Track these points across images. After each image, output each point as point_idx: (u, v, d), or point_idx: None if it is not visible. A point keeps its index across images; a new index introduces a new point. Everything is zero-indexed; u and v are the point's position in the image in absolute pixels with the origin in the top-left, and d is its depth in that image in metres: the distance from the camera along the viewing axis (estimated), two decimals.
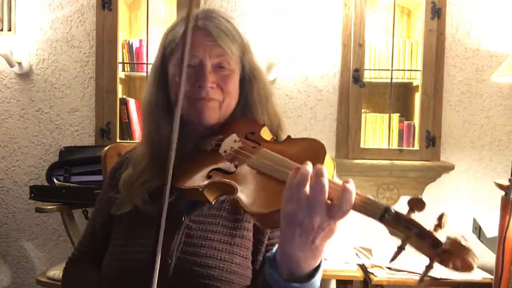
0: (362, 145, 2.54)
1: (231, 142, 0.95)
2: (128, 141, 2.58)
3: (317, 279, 0.77)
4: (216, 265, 0.92)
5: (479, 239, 2.17)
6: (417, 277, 2.09)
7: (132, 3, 2.75)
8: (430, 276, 2.07)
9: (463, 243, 0.64)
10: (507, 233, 1.88)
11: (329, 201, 0.69)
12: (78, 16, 2.65)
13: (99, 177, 2.18)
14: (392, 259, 0.68)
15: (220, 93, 0.99)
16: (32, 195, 2.33)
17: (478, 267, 2.25)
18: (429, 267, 0.66)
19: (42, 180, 2.61)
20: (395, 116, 2.58)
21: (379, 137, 2.58)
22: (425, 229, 0.67)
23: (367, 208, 0.69)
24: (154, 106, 1.01)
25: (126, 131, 2.60)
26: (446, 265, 0.65)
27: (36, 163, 2.70)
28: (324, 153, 0.81)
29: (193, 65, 0.98)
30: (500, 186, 1.97)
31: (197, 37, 0.97)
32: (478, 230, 2.15)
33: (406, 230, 0.67)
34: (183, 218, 0.97)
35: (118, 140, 2.56)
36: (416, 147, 2.53)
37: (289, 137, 0.93)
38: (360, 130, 2.53)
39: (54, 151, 2.67)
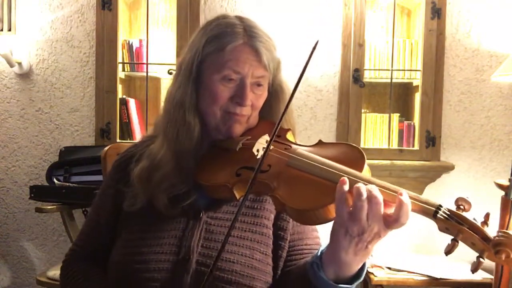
0: (362, 145, 2.53)
1: (263, 142, 0.98)
2: (128, 141, 2.58)
3: (362, 276, 0.84)
4: (237, 260, 0.94)
5: None
6: (417, 277, 2.09)
7: (132, 3, 2.75)
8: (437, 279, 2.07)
9: None
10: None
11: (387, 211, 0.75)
12: (78, 16, 2.65)
13: (99, 177, 2.18)
14: (448, 252, 0.72)
15: (250, 109, 1.01)
16: (32, 195, 2.33)
17: None
18: (479, 258, 0.71)
19: (42, 180, 2.61)
20: (395, 116, 2.58)
21: (379, 137, 2.58)
22: (475, 224, 0.72)
23: (422, 207, 0.75)
24: (187, 106, 1.00)
25: (126, 131, 2.60)
26: (500, 256, 0.70)
27: (36, 163, 2.70)
28: (363, 158, 0.85)
29: (233, 79, 0.98)
30: (500, 186, 1.98)
31: (244, 53, 0.97)
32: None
33: (458, 225, 0.72)
34: (201, 215, 0.99)
35: (118, 140, 2.56)
36: (416, 147, 2.53)
37: (320, 141, 0.96)
38: (360, 130, 2.53)
39: (54, 151, 2.67)
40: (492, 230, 0.72)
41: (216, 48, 0.98)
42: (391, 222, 0.74)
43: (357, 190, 0.74)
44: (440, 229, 0.74)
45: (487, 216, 0.73)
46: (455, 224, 0.72)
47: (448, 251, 0.72)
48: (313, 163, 0.85)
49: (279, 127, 0.87)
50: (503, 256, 0.69)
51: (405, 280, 2.10)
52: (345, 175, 0.79)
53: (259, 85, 1.00)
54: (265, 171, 0.88)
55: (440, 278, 2.07)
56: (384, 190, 0.76)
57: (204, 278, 0.90)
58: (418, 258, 2.33)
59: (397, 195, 0.74)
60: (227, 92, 0.98)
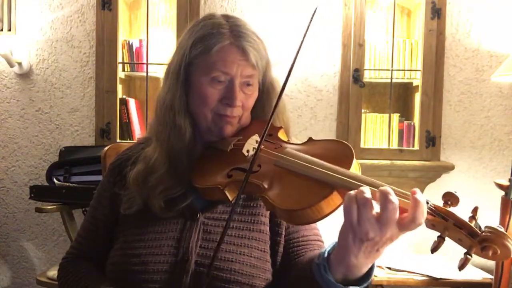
0: (362, 145, 2.53)
1: (253, 142, 0.97)
2: (128, 141, 2.57)
3: (372, 275, 0.80)
4: (236, 259, 0.94)
5: None
6: (417, 277, 2.09)
7: (132, 3, 2.75)
8: (430, 278, 2.07)
9: (501, 229, 0.67)
10: (507, 233, 1.88)
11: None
12: (78, 16, 2.65)
13: (99, 177, 2.18)
14: (434, 250, 0.70)
15: (241, 110, 1.01)
16: (32, 195, 2.32)
17: (478, 267, 2.25)
18: (466, 255, 0.68)
19: (42, 180, 2.61)
20: (395, 116, 2.58)
21: (379, 137, 2.58)
22: (461, 219, 0.70)
23: (406, 204, 0.71)
24: (177, 109, 1.00)
25: (126, 131, 2.60)
26: (487, 253, 0.67)
27: (36, 163, 2.70)
28: (352, 155, 0.82)
29: (223, 80, 0.98)
30: (500, 186, 1.97)
31: (231, 53, 0.97)
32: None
33: (444, 221, 0.70)
34: (198, 215, 0.99)
35: (118, 140, 2.56)
36: (416, 147, 2.53)
37: (310, 138, 0.94)
38: (360, 130, 2.53)
39: (54, 151, 2.67)
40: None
41: (202, 50, 0.98)
42: (406, 223, 0.69)
43: (361, 192, 0.70)
44: (427, 226, 0.72)
45: (475, 210, 0.71)
46: (440, 220, 0.70)
47: (434, 248, 0.69)
48: (299, 161, 0.84)
49: (268, 128, 0.86)
50: (490, 253, 0.67)
51: (405, 280, 2.10)
52: (333, 173, 0.77)
53: (248, 84, 1.00)
54: (255, 171, 0.87)
55: (440, 278, 2.07)
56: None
57: (203, 278, 0.91)
58: (418, 258, 2.33)
59: (411, 194, 0.70)
60: (216, 93, 0.98)
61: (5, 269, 2.76)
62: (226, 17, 1.02)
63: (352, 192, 0.72)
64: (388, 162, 2.48)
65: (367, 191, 0.71)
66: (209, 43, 0.97)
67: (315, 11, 0.85)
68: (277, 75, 1.09)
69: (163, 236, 0.97)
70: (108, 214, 1.06)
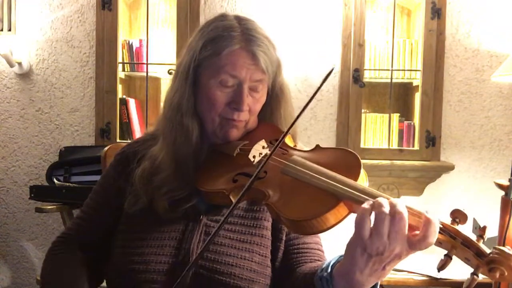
0: (362, 145, 2.54)
1: (259, 147, 0.95)
2: (128, 141, 2.57)
3: None
4: (236, 264, 0.93)
5: None
6: (417, 277, 2.09)
7: (132, 3, 2.75)
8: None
9: (510, 251, 0.66)
10: (507, 233, 1.88)
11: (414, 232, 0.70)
12: (78, 16, 2.65)
13: (99, 177, 2.19)
14: (441, 268, 0.69)
15: (248, 115, 1.00)
16: (32, 195, 2.33)
17: None
18: (473, 275, 0.68)
19: (42, 180, 2.61)
20: (395, 116, 2.58)
21: (379, 137, 2.58)
22: (469, 239, 0.69)
23: (416, 221, 0.70)
24: (184, 110, 0.98)
25: (126, 131, 2.60)
26: (494, 274, 0.67)
27: (36, 163, 2.70)
28: (359, 165, 0.81)
29: (231, 84, 0.96)
30: (500, 186, 1.97)
31: (241, 57, 0.95)
32: (478, 230, 2.15)
33: (451, 239, 0.69)
34: (201, 217, 0.98)
35: (118, 140, 2.56)
36: (416, 147, 2.53)
37: (318, 146, 0.93)
38: (360, 130, 2.53)
39: (54, 151, 2.67)
40: (491, 232, 0.70)
41: (212, 53, 0.96)
42: (417, 241, 0.68)
43: (379, 204, 0.70)
44: (434, 243, 0.71)
45: (483, 229, 0.71)
46: (448, 238, 0.69)
47: (441, 267, 0.69)
48: (306, 171, 0.82)
49: (281, 138, 0.84)
50: (497, 274, 0.66)
51: (405, 280, 2.10)
52: (340, 184, 0.76)
53: (257, 89, 0.99)
54: (261, 178, 0.86)
55: (440, 278, 2.06)
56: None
57: (204, 281, 0.90)
58: (418, 258, 2.33)
59: (423, 214, 0.69)
60: (224, 97, 0.97)
61: (5, 269, 2.76)
62: (238, 19, 1.00)
63: (367, 205, 0.70)
64: (388, 162, 2.48)
65: (385, 204, 0.69)
66: (219, 46, 0.95)
67: (331, 71, 0.82)
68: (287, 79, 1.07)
69: (165, 236, 0.97)
70: (111, 204, 1.05)
